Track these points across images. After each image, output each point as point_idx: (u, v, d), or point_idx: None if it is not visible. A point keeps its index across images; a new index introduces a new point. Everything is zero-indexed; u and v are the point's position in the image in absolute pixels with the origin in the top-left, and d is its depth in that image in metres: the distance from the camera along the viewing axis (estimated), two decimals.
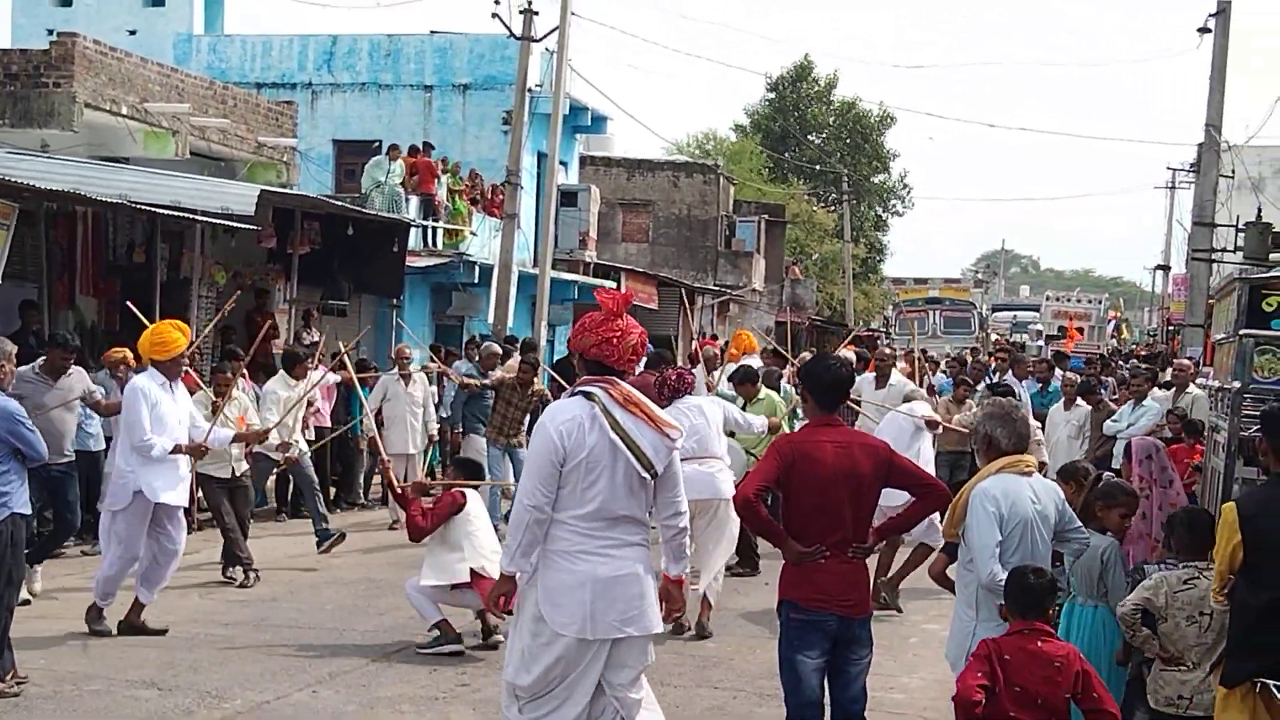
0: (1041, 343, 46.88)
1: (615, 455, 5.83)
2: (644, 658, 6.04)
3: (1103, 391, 16.32)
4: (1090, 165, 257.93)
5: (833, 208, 63.79)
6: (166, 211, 15.53)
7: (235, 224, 16.23)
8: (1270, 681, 5.61)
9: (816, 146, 68.91)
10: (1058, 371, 18.92)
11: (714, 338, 29.56)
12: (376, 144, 27.00)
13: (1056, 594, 6.21)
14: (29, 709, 8.03)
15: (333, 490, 17.07)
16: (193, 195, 15.91)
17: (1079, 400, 15.63)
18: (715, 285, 42.89)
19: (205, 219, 15.97)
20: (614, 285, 30.95)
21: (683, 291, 30.35)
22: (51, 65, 17.76)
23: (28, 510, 8.50)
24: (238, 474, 12.72)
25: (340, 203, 20.62)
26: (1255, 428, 7.01)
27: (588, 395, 5.92)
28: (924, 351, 25.07)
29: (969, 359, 20.26)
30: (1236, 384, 7.33)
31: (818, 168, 65.48)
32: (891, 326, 45.76)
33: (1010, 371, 18.81)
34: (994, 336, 48.09)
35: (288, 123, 23.16)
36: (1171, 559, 6.82)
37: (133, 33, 28.98)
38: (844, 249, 58.03)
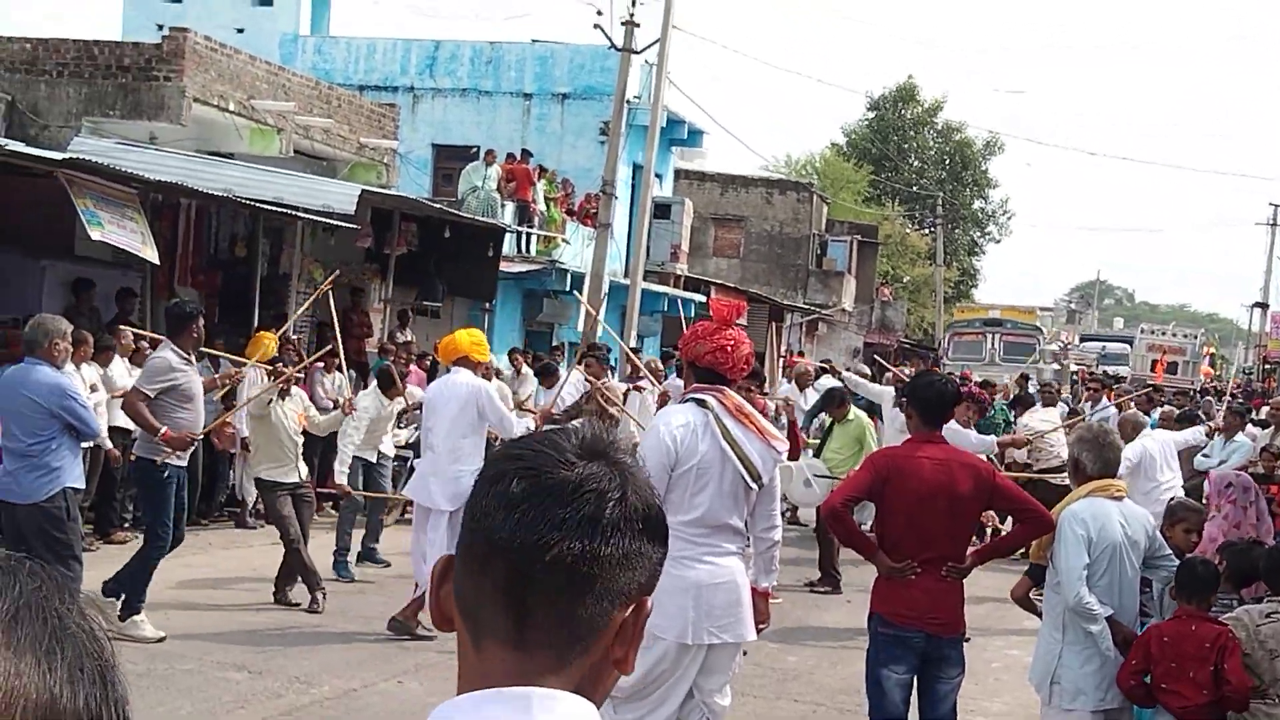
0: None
1: (724, 464, 5.89)
2: (733, 665, 6.13)
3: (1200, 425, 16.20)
4: (1190, 198, 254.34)
5: (926, 230, 63.50)
6: (269, 207, 15.82)
7: (335, 222, 16.49)
8: None
9: (914, 169, 68.59)
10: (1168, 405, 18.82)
11: (801, 354, 29.56)
12: (474, 149, 27.27)
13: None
14: None
15: None
16: (295, 192, 16.18)
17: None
18: (805, 304, 42.85)
19: (306, 216, 16.26)
20: (705, 299, 31.05)
21: (770, 309, 30.35)
22: (162, 59, 18.14)
23: (81, 485, 9.04)
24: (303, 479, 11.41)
25: (438, 205, 20.88)
26: None
27: (700, 403, 5.99)
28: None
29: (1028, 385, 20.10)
30: None
31: (914, 189, 65.18)
32: (944, 351, 41.09)
33: (1102, 400, 18.69)
34: (1074, 367, 46.37)
35: (389, 125, 23.47)
36: (1225, 592, 6.84)
37: (240, 30, 29.47)
38: (936, 273, 57.75)
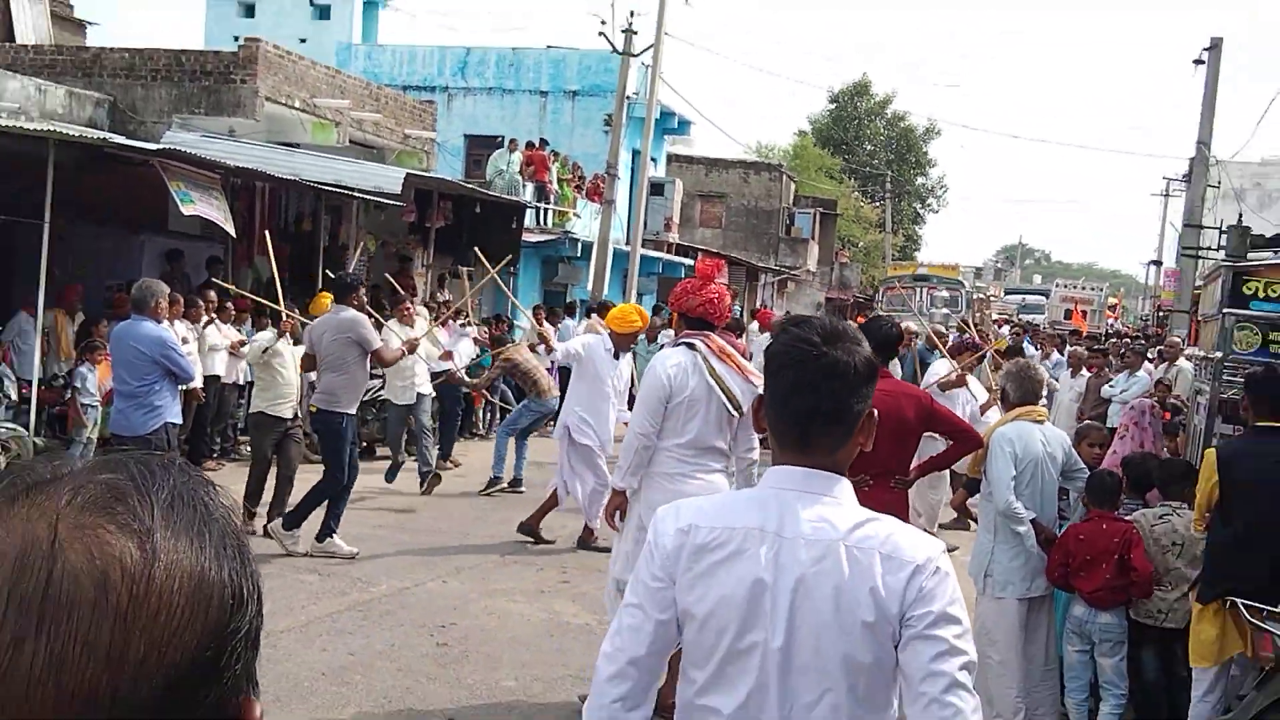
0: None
1: (710, 396, 5.96)
2: None
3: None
4: (1098, 172, 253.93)
5: (877, 204, 63.27)
6: (330, 188, 15.76)
7: (384, 200, 16.44)
8: (1239, 600, 5.64)
9: (866, 152, 68.29)
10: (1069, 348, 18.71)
11: (770, 309, 29.44)
12: (500, 139, 27.14)
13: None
14: None
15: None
16: (351, 176, 16.11)
17: (1082, 370, 15.60)
18: (776, 266, 42.74)
19: (361, 195, 16.19)
20: (693, 262, 31.00)
21: (746, 270, 30.25)
22: (239, 65, 18.01)
23: (179, 420, 9.04)
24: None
25: (470, 186, 20.80)
26: (1233, 391, 7.02)
27: (690, 346, 6.05)
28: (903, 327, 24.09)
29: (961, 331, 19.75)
30: (1219, 354, 7.32)
31: (867, 169, 64.91)
32: (878, 303, 39.09)
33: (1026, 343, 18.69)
34: (995, 316, 45.35)
35: (428, 119, 23.33)
36: (1131, 498, 6.88)
37: (303, 40, 29.26)
38: (885, 239, 57.60)
